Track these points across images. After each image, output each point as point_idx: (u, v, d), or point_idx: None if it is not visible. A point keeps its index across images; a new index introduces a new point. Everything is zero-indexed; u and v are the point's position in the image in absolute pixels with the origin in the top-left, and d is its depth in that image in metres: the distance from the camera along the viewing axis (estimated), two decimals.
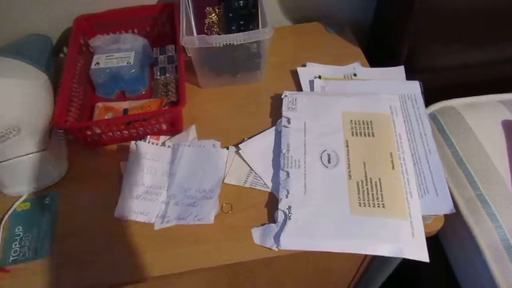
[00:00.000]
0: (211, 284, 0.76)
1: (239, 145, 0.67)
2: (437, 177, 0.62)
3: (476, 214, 0.69)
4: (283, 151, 0.65)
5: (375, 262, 0.75)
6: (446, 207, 0.59)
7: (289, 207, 0.59)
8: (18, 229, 0.61)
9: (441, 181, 0.62)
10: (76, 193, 0.64)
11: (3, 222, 0.61)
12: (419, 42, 0.78)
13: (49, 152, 0.64)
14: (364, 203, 0.59)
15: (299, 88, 0.77)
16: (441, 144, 0.78)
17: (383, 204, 0.58)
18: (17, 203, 0.63)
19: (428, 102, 0.79)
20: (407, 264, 0.64)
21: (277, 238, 0.57)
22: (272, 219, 0.60)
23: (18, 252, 0.59)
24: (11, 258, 0.58)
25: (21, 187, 0.63)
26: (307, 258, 0.57)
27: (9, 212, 0.62)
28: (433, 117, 0.83)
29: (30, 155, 0.62)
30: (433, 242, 0.61)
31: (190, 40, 0.67)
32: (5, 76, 0.59)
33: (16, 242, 0.59)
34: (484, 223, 0.67)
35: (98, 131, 0.66)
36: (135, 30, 0.84)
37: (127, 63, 0.75)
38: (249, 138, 0.69)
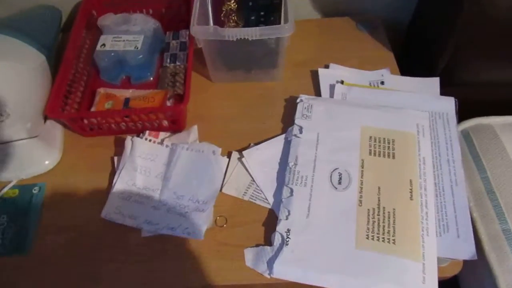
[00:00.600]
0: None
1: (243, 152, 0.61)
2: (461, 215, 0.55)
3: (500, 251, 0.62)
4: (290, 164, 0.59)
5: None
6: (467, 252, 0.52)
7: (288, 231, 0.53)
8: (3, 217, 0.58)
9: (465, 220, 0.54)
10: (66, 185, 0.61)
11: None
12: (464, 51, 0.69)
13: (41, 139, 0.60)
14: (372, 235, 0.52)
15: (318, 92, 0.70)
16: (471, 168, 0.70)
17: (393, 239, 0.52)
18: (5, 189, 0.60)
19: (461, 117, 0.70)
20: None
21: (270, 264, 0.51)
22: (268, 240, 0.54)
23: None
24: None
25: (10, 173, 0.60)
26: (301, 286, 0.51)
27: None
28: (465, 135, 0.74)
29: (20, 142, 0.58)
30: (450, 282, 0.55)
31: (201, 30, 0.61)
32: None
33: None
34: (508, 262, 0.60)
35: (95, 121, 0.61)
36: (150, 10, 0.78)
37: (135, 47, 0.69)
38: (255, 144, 0.63)
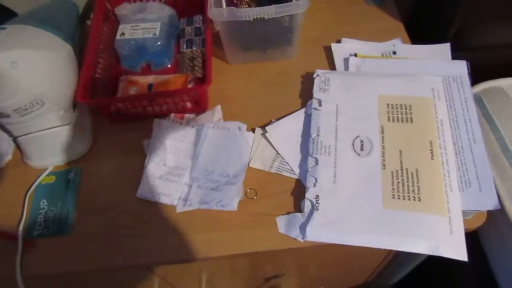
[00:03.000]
0: (231, 261, 0.75)
1: (266, 128, 0.63)
2: (481, 169, 0.57)
3: None
4: (313, 135, 0.61)
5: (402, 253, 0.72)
6: (490, 203, 0.54)
7: (317, 197, 0.56)
8: (43, 202, 0.61)
9: (486, 174, 0.57)
10: (99, 170, 0.63)
11: (28, 194, 0.61)
12: (473, 15, 0.70)
13: (73, 126, 0.63)
14: (398, 195, 0.55)
15: (332, 66, 0.72)
16: (485, 129, 0.72)
17: (419, 197, 0.54)
18: (42, 175, 0.63)
19: (473, 82, 0.72)
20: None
21: (303, 228, 0.54)
22: (298, 208, 0.57)
23: (42, 226, 0.59)
24: (36, 232, 0.58)
25: (46, 160, 0.63)
26: (332, 248, 0.54)
27: (35, 184, 0.62)
28: (477, 99, 0.76)
29: (54, 129, 0.61)
30: (470, 235, 0.57)
31: (218, 12, 0.63)
32: (30, 47, 0.56)
33: (41, 216, 0.59)
34: None
35: (122, 106, 0.64)
36: None
37: (153, 34, 0.72)
38: (277, 120, 0.65)
